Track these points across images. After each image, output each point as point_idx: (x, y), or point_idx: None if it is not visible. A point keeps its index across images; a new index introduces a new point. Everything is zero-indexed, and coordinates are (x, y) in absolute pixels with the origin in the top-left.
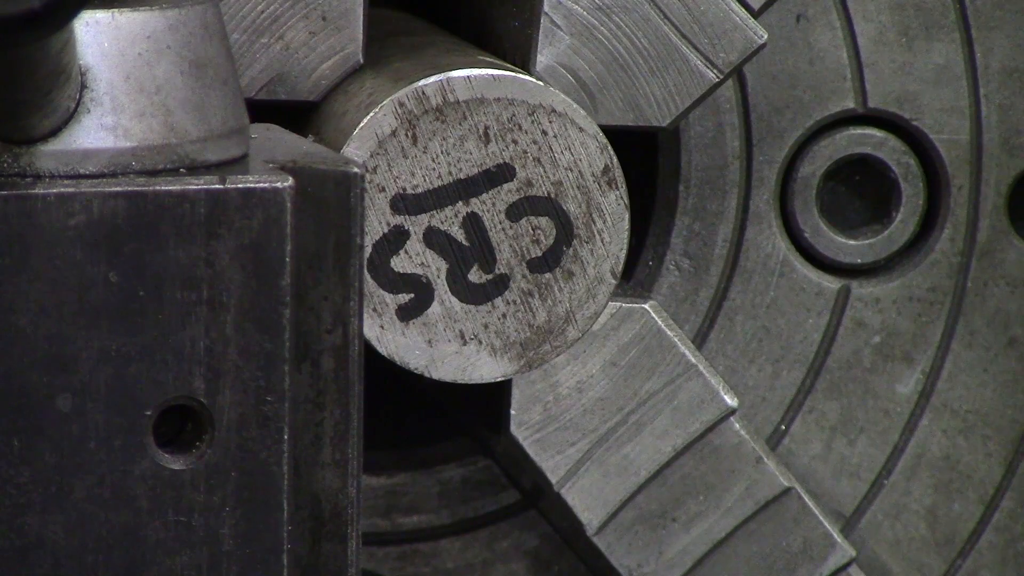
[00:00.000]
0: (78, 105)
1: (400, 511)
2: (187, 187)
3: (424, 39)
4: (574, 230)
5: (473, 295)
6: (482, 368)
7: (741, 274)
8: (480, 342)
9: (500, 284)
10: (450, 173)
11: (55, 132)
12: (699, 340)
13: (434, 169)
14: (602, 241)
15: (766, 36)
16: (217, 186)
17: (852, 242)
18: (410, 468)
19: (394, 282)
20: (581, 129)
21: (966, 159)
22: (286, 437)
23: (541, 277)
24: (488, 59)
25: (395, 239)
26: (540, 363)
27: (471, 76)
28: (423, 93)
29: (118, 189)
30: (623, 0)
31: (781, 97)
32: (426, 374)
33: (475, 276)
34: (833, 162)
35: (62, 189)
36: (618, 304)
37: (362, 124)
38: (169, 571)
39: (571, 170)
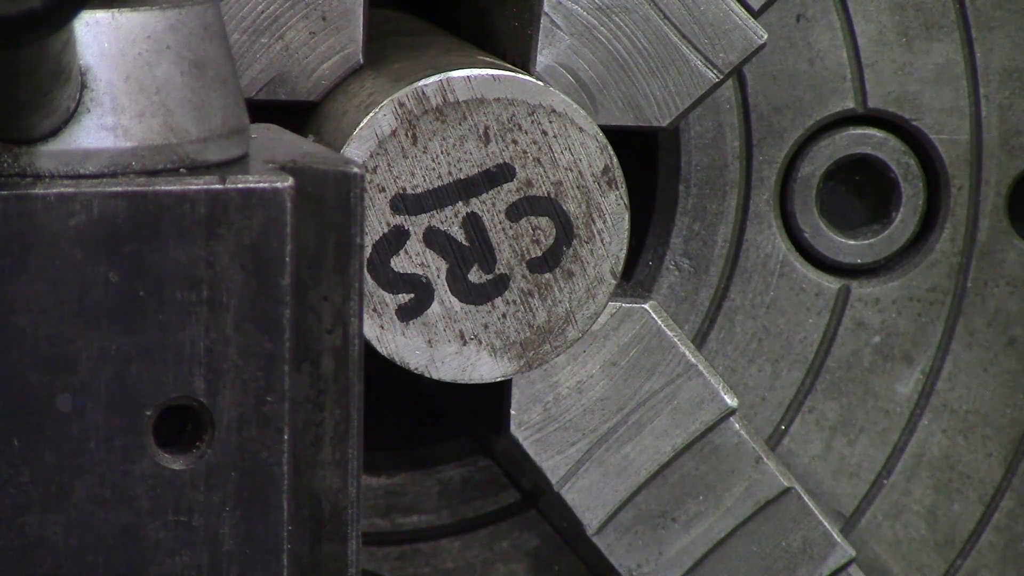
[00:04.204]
0: (78, 105)
1: (400, 511)
2: (187, 187)
3: (424, 39)
4: (574, 230)
5: (473, 295)
6: (482, 368)
7: (741, 274)
8: (480, 342)
9: (500, 284)
10: (450, 173)
11: (55, 132)
12: (699, 340)
13: (434, 169)
14: (602, 241)
15: (766, 36)
16: (217, 186)
17: (852, 242)
18: (410, 468)
19: (394, 282)
20: (581, 129)
21: (966, 159)
22: (286, 437)
23: (541, 277)
24: (488, 59)
25: (395, 239)
26: (540, 363)
27: (471, 76)
28: (423, 93)
29: (118, 189)
30: (623, 0)
31: (781, 97)
32: (426, 374)
33: (475, 276)
34: (833, 162)
35: (62, 189)
36: (618, 304)
37: (362, 124)
38: (169, 571)
39: (571, 170)
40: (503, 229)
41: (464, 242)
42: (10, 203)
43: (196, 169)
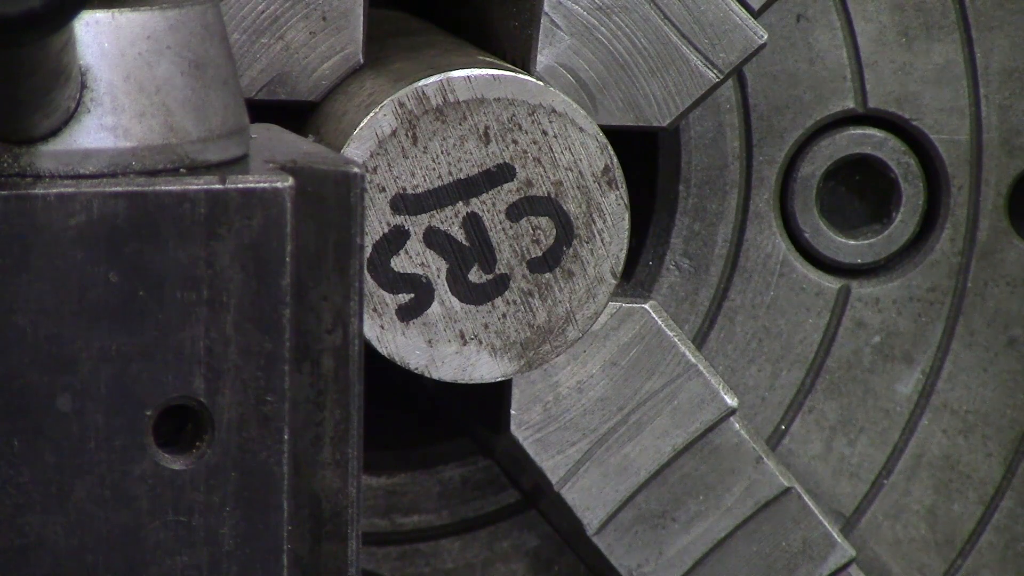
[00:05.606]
0: (78, 105)
1: (400, 511)
2: (187, 187)
3: (424, 39)
4: (574, 230)
5: (473, 295)
6: (482, 368)
7: (741, 274)
8: (480, 342)
9: (500, 284)
10: (450, 173)
11: (55, 132)
12: (699, 340)
13: (434, 169)
14: (602, 241)
15: (766, 36)
16: (217, 186)
17: (852, 242)
18: (410, 468)
19: (394, 282)
20: (581, 129)
21: (966, 159)
22: (286, 437)
23: (541, 277)
24: (488, 59)
25: (395, 239)
26: (540, 363)
27: (471, 76)
28: (423, 93)
29: (118, 189)
30: (623, 0)
31: (781, 97)
32: (426, 374)
33: (475, 276)
34: (833, 162)
35: (62, 189)
36: (618, 304)
37: (362, 124)
38: (169, 571)
39: (571, 170)
40: (503, 229)
41: (464, 242)
42: (10, 203)
43: (196, 169)
